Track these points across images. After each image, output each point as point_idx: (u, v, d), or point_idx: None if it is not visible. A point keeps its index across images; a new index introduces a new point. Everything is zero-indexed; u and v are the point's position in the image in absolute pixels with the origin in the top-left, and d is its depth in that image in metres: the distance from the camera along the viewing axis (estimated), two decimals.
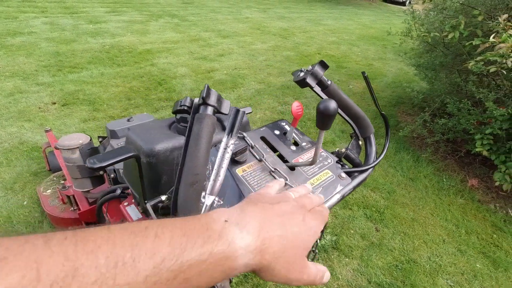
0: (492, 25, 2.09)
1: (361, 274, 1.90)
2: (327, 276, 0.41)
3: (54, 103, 3.24)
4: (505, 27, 1.92)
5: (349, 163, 0.80)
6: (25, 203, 2.04)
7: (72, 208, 1.76)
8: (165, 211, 0.71)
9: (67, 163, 1.45)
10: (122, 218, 1.28)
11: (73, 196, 1.72)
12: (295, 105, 0.73)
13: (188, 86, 4.05)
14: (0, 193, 2.08)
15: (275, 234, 0.32)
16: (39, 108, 3.12)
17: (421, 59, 3.46)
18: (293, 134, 0.75)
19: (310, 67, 0.70)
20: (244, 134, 0.70)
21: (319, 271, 0.40)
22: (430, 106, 3.28)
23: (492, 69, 1.93)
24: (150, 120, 1.47)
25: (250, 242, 0.30)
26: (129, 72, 4.22)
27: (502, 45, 1.82)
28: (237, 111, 0.44)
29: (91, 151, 1.47)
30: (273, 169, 0.64)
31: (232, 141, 0.43)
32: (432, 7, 3.54)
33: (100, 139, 1.50)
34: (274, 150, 0.71)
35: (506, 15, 1.96)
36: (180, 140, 0.87)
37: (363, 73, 0.71)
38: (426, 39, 2.62)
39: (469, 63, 2.17)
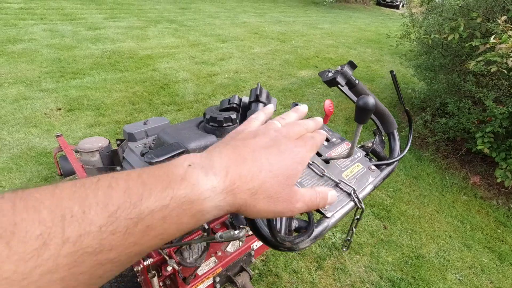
0: (491, 27, 2.17)
1: (372, 270, 1.94)
2: (332, 195, 0.39)
3: (59, 109, 3.25)
4: (504, 28, 1.99)
5: (375, 157, 0.84)
6: None
7: None
8: None
9: (86, 166, 1.48)
10: None
11: None
12: (327, 103, 0.78)
13: (190, 90, 4.09)
14: None
15: (247, 171, 0.31)
16: (45, 114, 3.13)
17: (419, 60, 3.55)
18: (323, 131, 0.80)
19: (339, 67, 0.75)
20: None
21: (318, 193, 0.37)
22: (430, 106, 3.36)
23: (493, 68, 2.01)
24: (182, 122, 1.51)
25: (216, 184, 0.29)
26: (131, 77, 4.25)
27: (502, 45, 1.89)
28: (296, 105, 0.48)
29: (110, 153, 1.50)
30: (311, 162, 0.68)
31: None
32: (427, 10, 3.64)
33: (118, 142, 1.53)
34: None
35: (505, 17, 2.04)
36: (211, 139, 0.91)
37: (391, 72, 0.75)
38: (427, 41, 2.70)
39: (470, 63, 2.24)
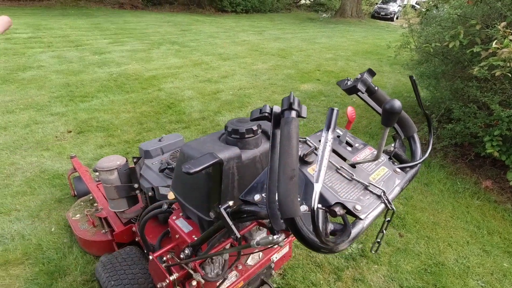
0: (491, 33, 2.23)
1: (392, 280, 1.91)
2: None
3: (70, 132, 3.31)
4: (505, 33, 2.05)
5: (397, 161, 0.86)
6: (52, 229, 2.06)
7: (103, 231, 1.78)
8: (235, 216, 0.76)
9: (105, 185, 1.50)
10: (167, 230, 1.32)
11: (105, 218, 1.75)
12: (350, 109, 0.81)
13: (196, 108, 4.16)
14: (27, 221, 2.10)
15: None
16: (56, 137, 3.19)
17: (421, 68, 3.61)
18: (346, 137, 0.82)
19: (359, 75, 0.78)
20: (307, 138, 0.76)
21: None
22: (435, 113, 3.39)
23: (497, 72, 2.05)
24: (204, 136, 1.55)
25: None
26: (138, 98, 4.34)
27: (504, 50, 1.94)
28: (333, 110, 0.51)
29: (128, 171, 1.52)
30: (339, 167, 0.70)
31: (331, 136, 0.50)
32: (425, 21, 3.75)
33: (134, 160, 1.56)
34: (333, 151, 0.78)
35: (504, 23, 2.10)
36: (235, 150, 0.93)
37: (411, 77, 0.78)
38: (428, 50, 2.76)
39: (473, 69, 2.29)
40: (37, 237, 1.98)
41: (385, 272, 1.96)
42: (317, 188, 0.47)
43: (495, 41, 2.08)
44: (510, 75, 2.07)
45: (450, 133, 3.04)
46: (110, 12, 12.82)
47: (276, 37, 10.12)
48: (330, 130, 0.50)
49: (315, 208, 0.46)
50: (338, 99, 4.85)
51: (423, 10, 3.56)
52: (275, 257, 1.43)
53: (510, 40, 1.97)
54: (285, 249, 1.48)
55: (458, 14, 2.73)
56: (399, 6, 19.67)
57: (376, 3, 20.80)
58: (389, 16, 18.89)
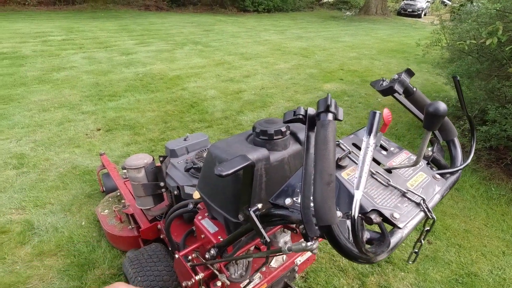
0: None
1: None
2: None
3: (99, 130, 3.45)
4: None
5: (435, 166, 0.82)
6: (83, 223, 2.15)
7: (130, 227, 1.84)
8: (264, 219, 0.75)
9: (132, 182, 1.54)
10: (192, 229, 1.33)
11: (132, 214, 1.81)
12: (386, 112, 0.77)
13: (219, 107, 4.20)
14: (60, 215, 2.21)
15: None
16: (86, 134, 3.33)
17: (452, 67, 3.43)
18: (381, 140, 0.79)
19: (396, 75, 0.75)
20: (340, 141, 0.74)
21: None
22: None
23: None
24: (231, 137, 1.57)
25: None
26: (162, 97, 4.45)
27: None
28: (375, 113, 0.49)
29: (154, 169, 1.56)
30: (374, 172, 0.67)
31: (372, 141, 0.48)
32: (458, 16, 3.55)
33: (161, 159, 1.59)
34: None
35: None
36: (263, 152, 0.92)
37: (454, 77, 0.74)
38: (462, 47, 2.62)
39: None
40: (69, 230, 2.08)
41: (412, 280, 1.88)
42: (358, 196, 0.45)
43: None
44: None
45: (484, 135, 2.86)
46: (137, 14, 13.25)
47: (298, 36, 10.02)
48: (372, 134, 0.47)
49: (355, 217, 0.44)
50: (362, 99, 4.72)
51: (455, 5, 3.38)
52: (299, 260, 1.41)
53: None
54: (309, 253, 1.46)
55: (497, 9, 2.56)
56: (428, 2, 18.86)
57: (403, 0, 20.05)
58: (416, 13, 18.14)
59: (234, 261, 1.18)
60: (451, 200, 2.63)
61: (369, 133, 0.48)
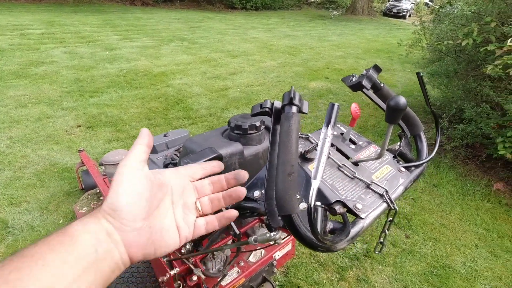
0: (507, 30, 2.16)
1: (396, 281, 1.88)
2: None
3: (79, 126, 3.37)
4: None
5: (402, 160, 0.84)
6: (60, 221, 2.10)
7: None
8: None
9: (110, 178, 1.52)
10: None
11: None
12: (354, 106, 0.79)
13: (204, 104, 4.17)
14: (36, 213, 2.15)
15: None
16: (66, 131, 3.25)
17: (432, 67, 3.53)
18: (350, 134, 0.80)
19: (364, 71, 0.76)
20: (309, 134, 0.75)
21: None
22: (446, 113, 3.31)
23: None
24: (207, 131, 1.56)
25: None
26: (146, 93, 4.38)
27: None
28: (333, 105, 0.50)
29: None
30: (340, 165, 0.69)
31: (330, 132, 0.49)
32: (437, 18, 3.65)
33: None
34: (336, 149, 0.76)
35: None
36: (237, 146, 0.93)
37: (418, 73, 0.76)
38: (440, 47, 2.70)
39: (487, 67, 2.22)
40: (45, 229, 2.03)
41: (390, 273, 1.94)
42: (315, 185, 0.46)
43: (511, 39, 2.01)
44: None
45: (461, 133, 2.96)
46: (122, 9, 12.95)
47: (285, 34, 10.06)
48: (330, 125, 0.49)
49: (312, 205, 0.45)
50: (347, 97, 4.79)
51: (436, 7, 3.48)
52: (278, 254, 1.42)
53: None
54: (288, 247, 1.48)
55: (472, 11, 2.65)
56: (412, 3, 19.28)
57: (388, 1, 20.42)
58: (401, 14, 18.52)
59: (211, 256, 1.19)
60: (429, 195, 2.71)
61: (327, 124, 0.49)
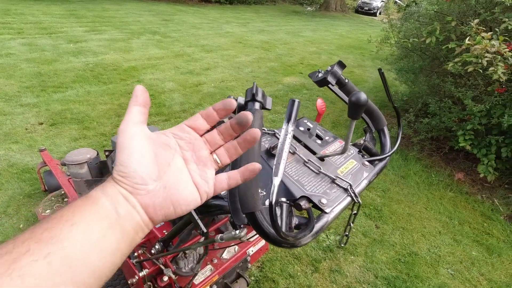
0: (465, 29, 2.28)
1: (367, 270, 1.96)
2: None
3: (41, 124, 3.16)
4: (477, 31, 2.11)
5: (367, 154, 0.86)
6: (21, 226, 1.96)
7: None
8: (201, 210, 0.74)
9: (74, 179, 1.44)
10: None
11: None
12: (319, 102, 0.79)
13: (177, 100, 4.06)
14: None
15: None
16: (26, 129, 3.03)
17: (400, 64, 3.68)
18: (316, 130, 0.81)
19: (329, 67, 0.77)
20: (275, 130, 0.75)
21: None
22: (413, 108, 3.47)
23: (470, 68, 2.11)
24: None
25: None
26: (116, 89, 4.19)
27: (477, 46, 1.99)
28: (293, 101, 0.49)
29: (99, 164, 1.46)
30: (306, 160, 0.69)
31: (291, 128, 0.48)
32: (404, 16, 3.80)
33: (106, 153, 1.50)
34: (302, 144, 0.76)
35: (477, 20, 2.16)
36: None
37: (379, 69, 0.78)
38: (406, 45, 2.81)
39: (448, 64, 2.35)
40: (4, 235, 1.89)
41: (361, 262, 2.01)
42: (276, 182, 0.45)
43: (469, 37, 2.13)
44: (481, 71, 2.13)
45: (426, 127, 3.12)
46: None
47: (260, 29, 10.03)
48: (290, 122, 0.48)
49: (272, 203, 0.45)
50: (320, 92, 4.87)
51: (403, 6, 3.62)
52: (251, 250, 1.42)
53: (482, 37, 2.03)
54: (262, 242, 1.48)
55: (435, 10, 2.78)
56: (382, 1, 19.93)
57: None
58: (372, 11, 19.10)
59: (183, 255, 1.16)
60: (397, 187, 2.84)
61: (288, 121, 0.48)
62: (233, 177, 0.41)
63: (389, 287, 1.87)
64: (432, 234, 2.33)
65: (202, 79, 4.91)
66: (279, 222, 0.55)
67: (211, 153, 0.41)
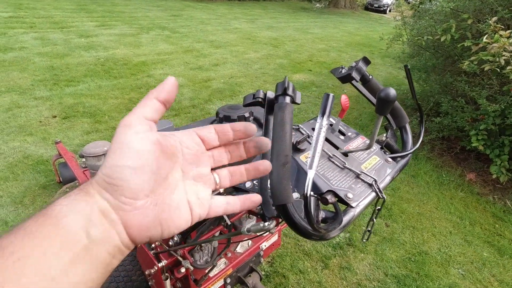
0: (482, 27, 2.25)
1: (377, 268, 1.96)
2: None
3: (55, 117, 3.21)
4: (495, 29, 2.07)
5: (388, 151, 0.86)
6: None
7: None
8: None
9: (91, 171, 1.46)
10: None
11: None
12: (344, 98, 0.80)
13: (187, 95, 4.09)
14: (10, 208, 2.04)
15: None
16: (40, 122, 3.08)
17: (412, 62, 3.64)
18: (339, 125, 0.81)
19: (353, 63, 0.77)
20: (300, 125, 0.75)
21: None
22: (424, 106, 3.43)
23: (487, 67, 2.08)
24: (194, 122, 1.51)
25: None
26: (126, 83, 4.23)
27: (494, 45, 1.96)
28: (328, 95, 0.50)
29: None
30: (331, 155, 0.70)
31: (325, 122, 0.49)
32: (417, 13, 3.75)
33: None
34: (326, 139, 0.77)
35: (495, 18, 2.12)
36: None
37: (405, 66, 0.78)
38: (420, 42, 2.78)
39: (463, 63, 2.32)
40: None
41: (371, 260, 2.01)
42: (311, 175, 0.46)
43: (486, 36, 2.10)
44: (498, 70, 2.10)
45: (438, 126, 3.09)
46: None
47: (268, 25, 9.98)
48: (325, 116, 0.49)
49: (308, 195, 0.46)
50: (330, 90, 4.85)
51: (417, 3, 3.57)
52: (264, 245, 1.44)
53: (500, 35, 2.00)
54: (274, 238, 1.49)
55: (451, 7, 2.74)
56: None
57: None
58: (382, 9, 18.85)
59: (199, 248, 1.18)
60: (408, 186, 2.82)
61: (322, 115, 0.49)
62: (233, 204, 0.36)
63: (399, 285, 1.87)
64: (443, 234, 2.31)
65: (211, 74, 4.92)
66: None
67: (212, 169, 0.35)
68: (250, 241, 1.38)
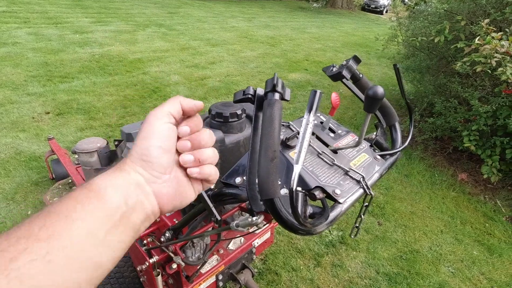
0: (475, 29, 2.27)
1: (369, 266, 1.98)
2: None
3: (48, 113, 3.18)
4: (487, 31, 2.10)
5: (378, 148, 0.87)
6: (29, 212, 1.99)
7: None
8: (215, 198, 0.76)
9: (84, 167, 1.46)
10: None
11: None
12: (334, 96, 0.81)
13: (182, 93, 4.07)
14: (1, 204, 2.03)
15: None
16: (33, 118, 3.06)
17: (406, 62, 3.67)
18: (329, 123, 0.82)
19: (344, 62, 0.78)
20: (290, 122, 0.76)
21: None
22: (418, 107, 3.47)
23: (479, 68, 2.10)
24: None
25: None
26: (121, 81, 4.20)
27: (486, 46, 1.99)
28: (315, 92, 0.50)
29: (109, 154, 1.48)
30: (320, 152, 0.71)
31: (312, 118, 0.49)
32: (412, 14, 3.78)
33: (116, 143, 1.51)
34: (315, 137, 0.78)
35: (487, 20, 2.15)
36: (218, 134, 0.92)
37: (395, 65, 0.79)
38: (414, 43, 2.80)
39: (456, 64, 2.34)
40: (12, 220, 1.92)
41: (363, 258, 2.03)
42: (297, 170, 0.47)
43: (478, 37, 2.12)
44: (490, 71, 2.13)
45: (431, 126, 3.12)
46: None
47: (266, 24, 9.98)
48: (312, 112, 0.49)
49: (293, 189, 0.46)
50: (325, 89, 4.87)
51: (412, 4, 3.60)
52: (257, 242, 1.45)
53: (492, 37, 2.02)
54: (267, 235, 1.50)
55: (445, 9, 2.76)
56: None
57: None
58: (379, 9, 18.92)
59: (191, 244, 1.18)
60: (401, 185, 2.85)
61: (309, 111, 0.50)
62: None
63: (390, 283, 1.90)
64: (434, 233, 2.34)
65: (207, 73, 4.91)
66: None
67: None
68: (242, 238, 1.39)
